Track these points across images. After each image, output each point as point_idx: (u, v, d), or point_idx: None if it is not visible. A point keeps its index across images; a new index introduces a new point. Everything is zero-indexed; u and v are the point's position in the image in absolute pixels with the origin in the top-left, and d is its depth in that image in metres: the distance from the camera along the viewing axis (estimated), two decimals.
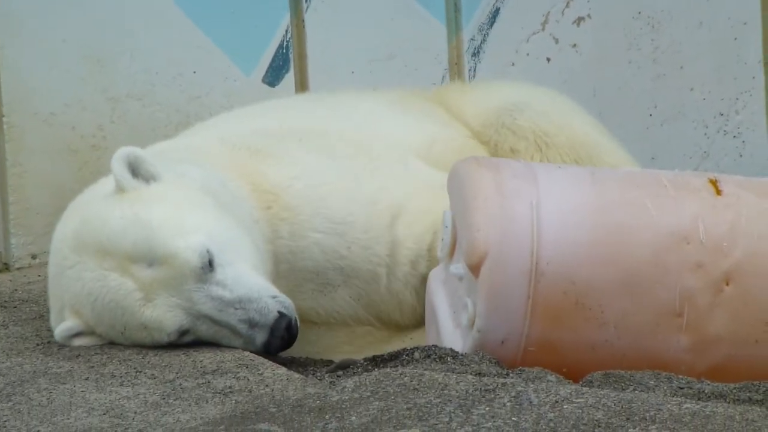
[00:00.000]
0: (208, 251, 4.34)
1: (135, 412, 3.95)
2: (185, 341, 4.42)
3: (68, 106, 6.06)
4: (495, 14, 6.74)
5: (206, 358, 4.33)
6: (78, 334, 4.49)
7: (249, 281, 4.39)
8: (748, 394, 3.99)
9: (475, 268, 4.29)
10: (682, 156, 6.98)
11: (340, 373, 4.40)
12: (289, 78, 6.43)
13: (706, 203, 4.39)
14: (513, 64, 6.78)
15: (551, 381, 4.09)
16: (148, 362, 4.33)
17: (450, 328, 4.46)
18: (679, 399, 3.82)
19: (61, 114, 6.04)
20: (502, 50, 6.76)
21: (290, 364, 4.54)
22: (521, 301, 4.27)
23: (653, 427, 3.59)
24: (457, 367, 4.17)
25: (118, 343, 4.47)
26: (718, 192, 4.43)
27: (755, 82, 7.01)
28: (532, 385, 3.88)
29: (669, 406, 3.72)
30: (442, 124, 5.55)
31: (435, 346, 4.40)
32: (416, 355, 4.34)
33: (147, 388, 4.13)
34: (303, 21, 6.43)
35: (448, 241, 4.52)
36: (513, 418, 3.65)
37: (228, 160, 4.81)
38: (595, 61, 6.88)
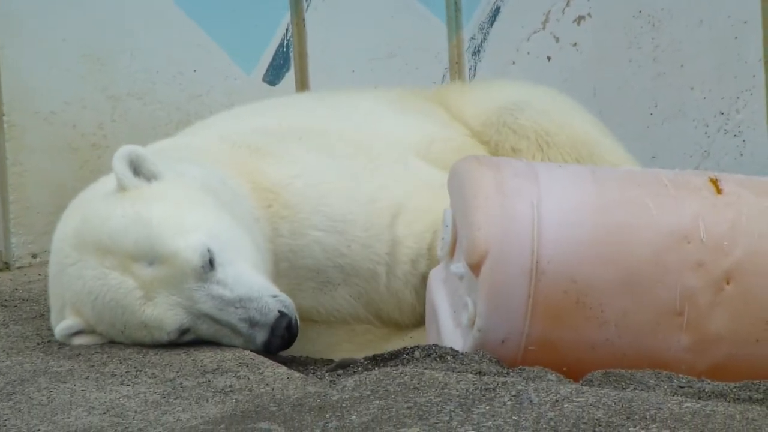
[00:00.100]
0: (208, 250, 4.34)
1: (135, 411, 3.95)
2: (185, 340, 4.42)
3: (69, 104, 6.05)
4: (495, 13, 6.74)
5: (206, 357, 4.33)
6: (78, 333, 4.49)
7: (249, 280, 4.39)
8: (748, 393, 3.99)
9: (475, 267, 4.28)
10: (682, 155, 6.98)
11: (340, 372, 4.39)
12: (290, 77, 6.43)
13: (706, 202, 4.39)
14: (513, 63, 6.78)
15: (551, 380, 4.08)
16: (149, 361, 4.32)
17: (450, 327, 4.46)
18: (680, 398, 3.82)
19: (62, 113, 6.04)
20: (502, 49, 6.76)
21: (290, 363, 4.54)
22: (522, 300, 4.26)
23: (653, 426, 3.58)
24: (457, 366, 4.16)
25: (119, 341, 4.47)
26: (719, 191, 4.43)
27: (756, 81, 7.01)
28: (532, 384, 3.87)
29: (669, 405, 3.72)
30: (442, 123, 5.55)
31: (435, 345, 4.39)
32: (416, 354, 4.34)
33: (147, 387, 4.13)
34: (303, 20, 6.43)
35: (448, 240, 4.51)
36: (513, 417, 3.65)
37: (228, 159, 4.81)
38: (595, 60, 6.88)
